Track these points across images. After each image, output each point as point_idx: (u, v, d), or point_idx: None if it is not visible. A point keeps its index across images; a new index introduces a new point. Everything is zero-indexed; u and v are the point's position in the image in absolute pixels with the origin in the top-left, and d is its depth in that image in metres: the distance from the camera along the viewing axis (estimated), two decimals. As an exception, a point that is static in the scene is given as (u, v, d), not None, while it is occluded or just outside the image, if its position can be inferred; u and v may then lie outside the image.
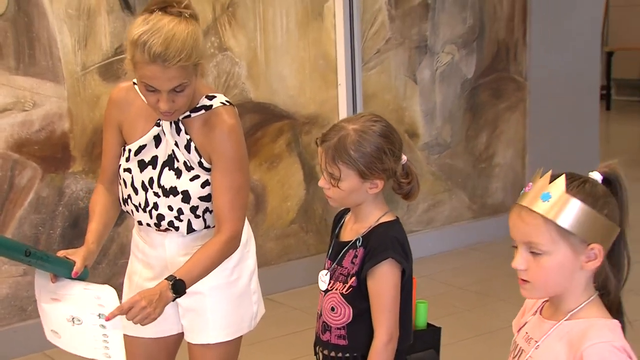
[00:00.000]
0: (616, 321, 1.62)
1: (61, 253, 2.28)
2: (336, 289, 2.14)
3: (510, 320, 4.57)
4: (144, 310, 2.09)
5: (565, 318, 1.63)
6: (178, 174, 2.30)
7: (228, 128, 2.28)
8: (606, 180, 1.63)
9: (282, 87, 4.53)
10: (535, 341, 1.66)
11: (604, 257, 1.60)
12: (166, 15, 2.14)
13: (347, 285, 2.12)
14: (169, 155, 2.31)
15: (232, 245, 2.29)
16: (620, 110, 10.14)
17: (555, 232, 1.59)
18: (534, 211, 1.59)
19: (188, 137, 2.29)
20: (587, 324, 1.60)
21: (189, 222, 2.33)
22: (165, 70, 2.12)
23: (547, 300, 1.71)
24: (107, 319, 2.12)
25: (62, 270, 2.23)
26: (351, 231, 2.18)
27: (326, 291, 2.16)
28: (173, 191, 2.30)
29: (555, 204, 1.59)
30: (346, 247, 2.15)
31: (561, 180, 1.60)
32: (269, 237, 4.59)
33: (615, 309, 1.64)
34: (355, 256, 2.12)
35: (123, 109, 2.36)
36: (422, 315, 3.21)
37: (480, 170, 5.38)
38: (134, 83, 2.32)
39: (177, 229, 2.34)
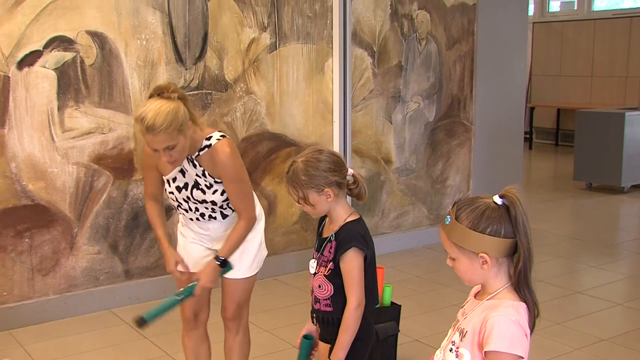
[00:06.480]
0: (522, 303, 1.59)
1: (171, 257, 2.55)
2: (320, 272, 2.15)
3: (452, 301, 4.64)
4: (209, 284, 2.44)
5: (486, 299, 1.63)
6: (203, 192, 2.48)
7: (225, 156, 2.42)
8: (505, 202, 1.58)
9: (292, 122, 4.55)
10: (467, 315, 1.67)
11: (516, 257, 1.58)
12: (160, 99, 2.27)
13: (327, 269, 2.13)
14: (194, 181, 2.48)
15: (251, 223, 2.52)
16: (539, 150, 10.43)
17: (454, 245, 1.61)
18: (442, 230, 1.64)
19: (202, 168, 2.45)
20: (498, 303, 1.60)
21: (222, 213, 2.52)
22: (155, 136, 2.25)
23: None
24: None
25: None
26: (328, 230, 2.18)
27: (314, 274, 2.18)
28: (204, 202, 2.49)
29: (450, 226, 1.61)
30: (325, 242, 2.16)
31: (453, 209, 1.61)
32: (277, 233, 4.60)
33: (521, 290, 1.60)
34: (331, 247, 2.12)
35: (153, 157, 2.49)
36: (387, 296, 3.21)
37: (436, 189, 5.37)
38: None
39: (215, 218, 2.55)
